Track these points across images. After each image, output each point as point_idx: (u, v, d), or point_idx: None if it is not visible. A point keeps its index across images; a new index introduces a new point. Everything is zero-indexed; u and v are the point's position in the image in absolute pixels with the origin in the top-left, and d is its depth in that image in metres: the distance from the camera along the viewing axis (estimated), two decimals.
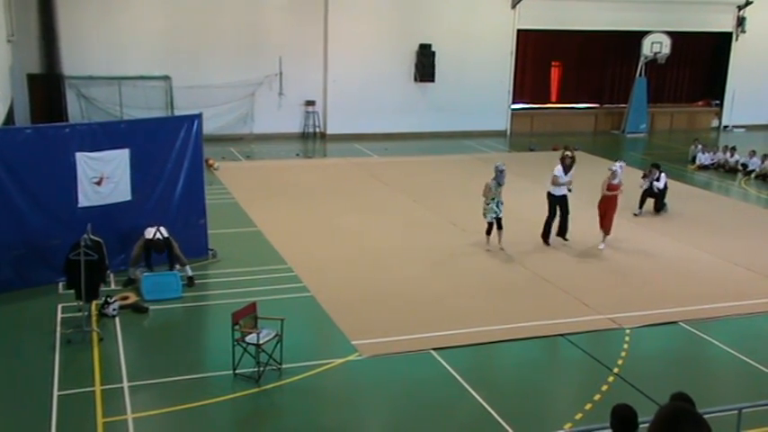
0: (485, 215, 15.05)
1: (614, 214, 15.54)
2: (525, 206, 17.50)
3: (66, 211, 12.60)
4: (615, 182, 15.40)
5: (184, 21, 26.48)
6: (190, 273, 13.08)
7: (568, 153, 15.68)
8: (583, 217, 16.07)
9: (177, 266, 12.96)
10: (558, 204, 15.56)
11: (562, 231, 15.74)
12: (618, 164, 15.82)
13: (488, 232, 15.12)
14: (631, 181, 18.42)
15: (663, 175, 18.74)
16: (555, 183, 15.47)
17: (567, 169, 15.48)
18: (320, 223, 17.14)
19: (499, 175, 14.85)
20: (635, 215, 18.05)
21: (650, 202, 18.62)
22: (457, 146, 27.57)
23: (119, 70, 25.81)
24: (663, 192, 18.65)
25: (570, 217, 15.75)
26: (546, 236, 15.63)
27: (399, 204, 19.07)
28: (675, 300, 12.90)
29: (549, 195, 15.62)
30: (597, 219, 15.60)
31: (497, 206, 14.88)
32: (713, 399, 8.60)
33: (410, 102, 29.49)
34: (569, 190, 15.60)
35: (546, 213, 15.70)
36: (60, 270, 11.61)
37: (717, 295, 13.21)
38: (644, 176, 18.96)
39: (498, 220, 14.97)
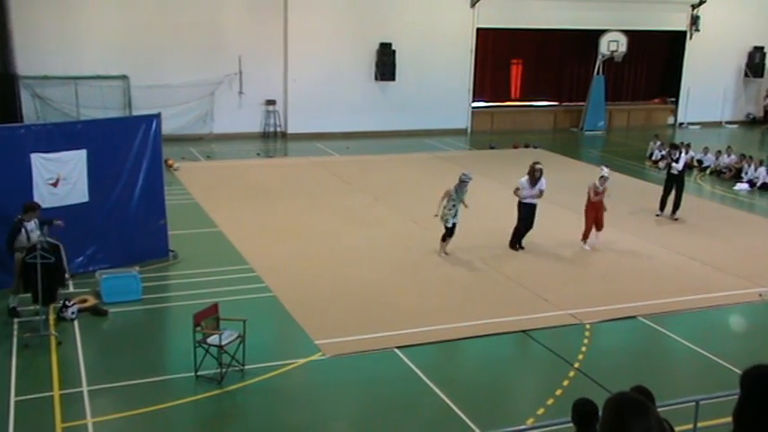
0: (445, 221, 14.64)
1: (603, 214, 15.54)
2: (486, 205, 17.58)
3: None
4: (603, 187, 15.48)
5: (142, 19, 26.14)
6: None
7: (539, 166, 15.26)
8: (548, 216, 16.10)
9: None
10: (526, 213, 15.26)
11: (519, 239, 15.47)
12: (605, 169, 15.88)
13: (444, 239, 14.84)
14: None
15: (683, 155, 18.21)
16: (516, 193, 15.25)
17: (535, 181, 15.13)
18: (282, 223, 17.07)
19: (460, 185, 14.56)
20: (657, 216, 18.04)
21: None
22: (418, 144, 27.64)
23: (75, 70, 25.38)
24: (681, 174, 17.94)
25: (532, 231, 15.47)
26: (513, 242, 15.36)
27: (361, 203, 19.07)
28: (634, 295, 13.08)
29: (519, 204, 15.31)
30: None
31: (455, 214, 14.63)
32: (672, 391, 8.74)
33: (371, 101, 29.48)
34: (539, 195, 15.24)
35: (516, 222, 15.39)
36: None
37: (674, 290, 13.43)
38: (662, 158, 18.55)
39: (453, 226, 14.70)
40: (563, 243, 15.74)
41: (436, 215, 14.74)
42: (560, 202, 17.93)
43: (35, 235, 11.30)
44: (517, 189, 15.29)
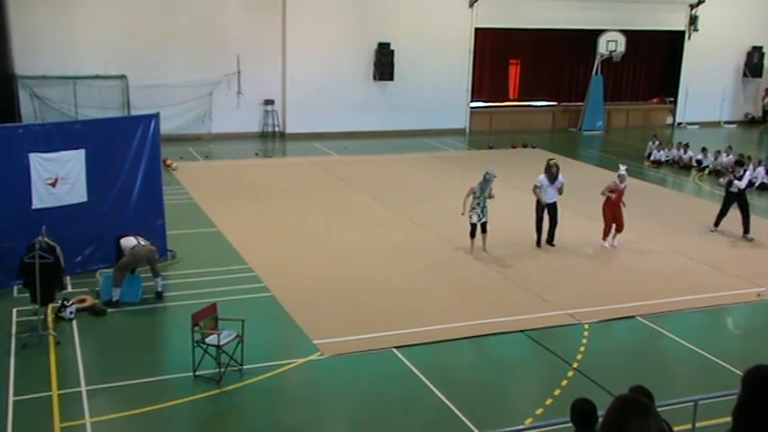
0: (469, 216, 14.77)
1: (622, 214, 15.56)
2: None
3: (20, 213, 12.34)
4: (622, 186, 15.47)
5: (141, 19, 26.12)
6: (160, 287, 12.54)
7: (554, 161, 15.47)
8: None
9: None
10: (546, 210, 15.42)
11: (549, 237, 15.60)
12: (623, 168, 15.85)
13: (472, 235, 14.89)
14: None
15: (747, 173, 17.07)
16: (535, 192, 15.37)
17: (553, 178, 15.30)
18: (280, 223, 17.06)
19: (483, 182, 14.67)
20: (711, 231, 16.97)
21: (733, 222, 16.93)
22: (416, 144, 27.63)
23: (73, 69, 25.36)
24: (743, 192, 16.77)
25: (558, 226, 15.60)
26: (539, 241, 15.51)
27: (359, 203, 19.06)
28: (632, 294, 13.08)
29: (539, 204, 15.42)
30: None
31: (482, 211, 14.70)
32: (670, 391, 8.74)
33: (369, 100, 29.48)
34: (560, 193, 15.50)
35: (534, 220, 15.55)
36: (14, 273, 11.40)
37: (672, 290, 13.43)
38: (724, 174, 17.40)
39: (483, 224, 14.78)
40: (562, 243, 15.73)
41: (462, 214, 14.80)
42: (559, 202, 17.91)
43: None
44: (536, 187, 15.36)
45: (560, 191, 15.50)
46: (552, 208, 15.50)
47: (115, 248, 12.62)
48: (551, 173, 15.34)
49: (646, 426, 3.53)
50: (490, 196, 14.79)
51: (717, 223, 17.13)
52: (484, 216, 14.79)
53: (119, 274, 12.09)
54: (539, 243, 15.57)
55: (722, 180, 17.39)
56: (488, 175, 14.75)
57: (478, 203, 14.72)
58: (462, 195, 14.91)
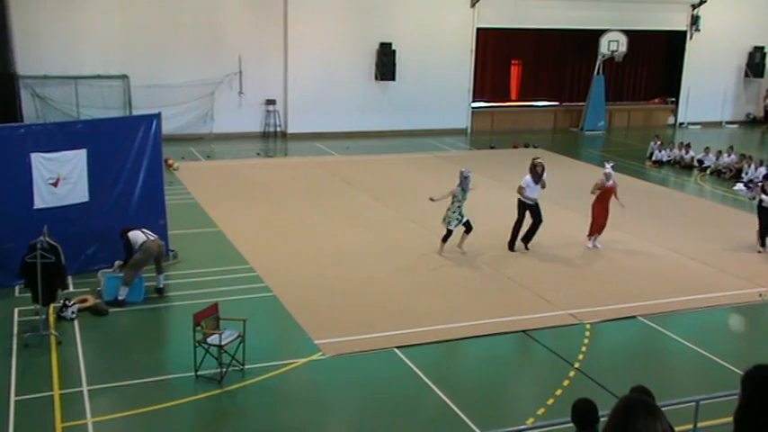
0: (448, 223, 14.60)
1: (608, 215, 15.39)
2: (486, 205, 17.59)
3: (22, 213, 12.34)
4: (609, 183, 15.34)
5: (142, 19, 26.15)
6: (161, 283, 12.62)
7: (539, 160, 15.24)
8: (548, 216, 16.05)
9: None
10: (528, 210, 15.17)
11: (527, 237, 15.28)
12: (609, 165, 15.67)
13: (445, 239, 14.82)
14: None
15: None
16: (521, 192, 15.09)
17: (538, 177, 15.07)
18: (282, 223, 17.07)
19: (464, 182, 14.54)
20: (759, 252, 15.70)
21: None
22: (418, 144, 27.64)
23: (75, 69, 25.39)
24: None
25: (541, 226, 15.33)
26: (512, 243, 15.24)
27: (361, 203, 19.06)
28: (633, 294, 13.08)
29: (520, 201, 15.20)
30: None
31: (461, 213, 14.58)
32: (672, 391, 8.74)
33: (371, 100, 29.49)
34: (542, 187, 15.25)
35: (515, 219, 15.31)
36: (16, 273, 11.40)
37: (674, 290, 13.42)
38: (752, 188, 16.64)
39: (467, 223, 14.66)
40: (563, 243, 15.73)
41: (431, 199, 14.71)
42: (560, 202, 17.94)
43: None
44: (521, 188, 15.09)
45: (542, 186, 15.21)
46: (535, 208, 15.17)
47: (123, 243, 12.36)
48: (536, 172, 15.06)
49: (652, 426, 3.53)
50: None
51: (763, 243, 16.00)
52: (464, 216, 14.63)
53: (130, 272, 12.02)
54: (511, 245, 15.22)
55: (750, 195, 16.92)
56: (466, 172, 14.63)
57: (458, 207, 14.55)
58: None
